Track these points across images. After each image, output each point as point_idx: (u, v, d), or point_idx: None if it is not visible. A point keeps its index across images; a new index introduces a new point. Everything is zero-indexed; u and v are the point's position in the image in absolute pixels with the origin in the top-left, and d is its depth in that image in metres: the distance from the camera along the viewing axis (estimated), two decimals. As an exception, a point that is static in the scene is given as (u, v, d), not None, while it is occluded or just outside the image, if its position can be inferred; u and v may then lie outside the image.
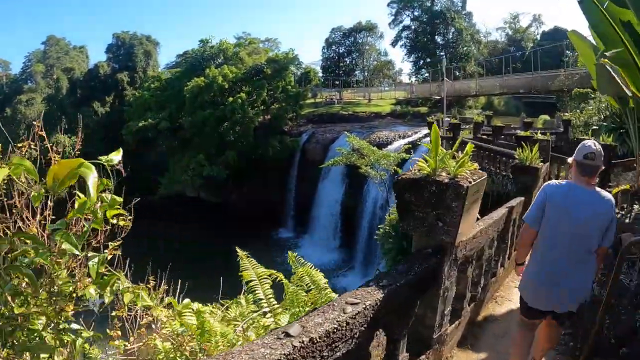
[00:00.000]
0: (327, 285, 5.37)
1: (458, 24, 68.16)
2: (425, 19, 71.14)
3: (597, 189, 4.75)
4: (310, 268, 5.59)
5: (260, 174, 48.87)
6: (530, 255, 5.06)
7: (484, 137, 25.68)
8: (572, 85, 37.43)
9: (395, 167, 30.93)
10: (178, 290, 5.13)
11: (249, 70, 52.12)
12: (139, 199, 3.92)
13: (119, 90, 63.20)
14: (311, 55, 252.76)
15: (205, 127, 47.07)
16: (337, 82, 72.29)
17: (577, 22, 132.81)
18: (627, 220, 8.59)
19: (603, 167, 5.00)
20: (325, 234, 42.07)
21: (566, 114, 29.95)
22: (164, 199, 48.89)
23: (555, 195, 4.75)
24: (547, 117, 45.89)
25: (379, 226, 26.34)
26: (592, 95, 31.30)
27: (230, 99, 46.95)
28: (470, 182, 4.26)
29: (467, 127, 30.49)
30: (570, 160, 5.00)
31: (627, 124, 10.62)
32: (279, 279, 5.44)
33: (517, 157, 11.05)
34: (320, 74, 76.37)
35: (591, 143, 4.80)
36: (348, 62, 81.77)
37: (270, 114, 52.04)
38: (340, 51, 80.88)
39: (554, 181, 5.05)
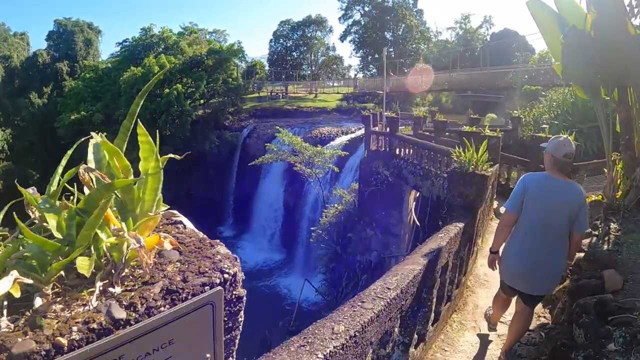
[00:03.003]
0: None
1: (408, 21, 66.16)
2: (375, 14, 68.80)
3: (569, 180, 5.10)
4: None
5: (200, 169, 46.27)
6: (509, 239, 5.28)
7: (426, 133, 22.32)
8: (521, 83, 35.27)
9: (331, 165, 28.04)
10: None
11: (189, 61, 48.14)
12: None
13: (58, 81, 58.79)
14: (261, 50, 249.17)
15: (140, 120, 42.79)
16: (283, 77, 68.71)
17: (526, 25, 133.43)
18: (605, 247, 6.68)
19: None
20: (266, 233, 39.61)
21: (515, 111, 27.32)
22: None
23: (532, 184, 5.08)
24: (494, 115, 43.81)
25: (312, 228, 23.56)
26: (543, 93, 29.21)
27: (166, 90, 42.87)
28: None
29: (410, 122, 27.76)
30: (545, 152, 5.16)
31: (599, 120, 8.39)
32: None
33: (455, 159, 7.54)
34: (267, 68, 72.81)
35: (569, 142, 5.08)
36: (296, 56, 78.43)
37: (211, 108, 48.90)
38: (288, 45, 77.74)
39: (531, 173, 5.43)
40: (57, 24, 62.40)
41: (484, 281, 8.27)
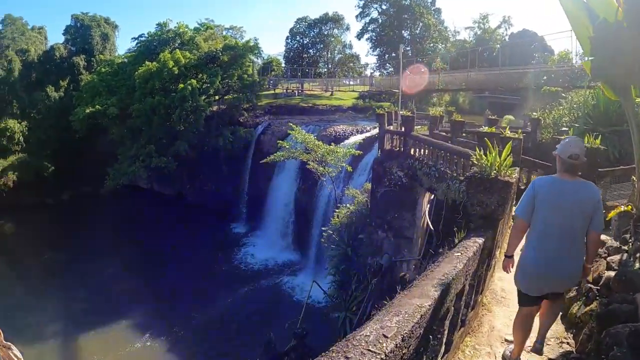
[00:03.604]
0: None
1: (426, 19, 64.80)
2: (392, 12, 67.69)
3: (580, 179, 5.04)
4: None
5: (214, 165, 46.41)
6: (523, 246, 5.24)
7: (442, 134, 21.44)
8: (540, 84, 34.27)
9: (344, 164, 27.41)
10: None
11: (204, 57, 47.97)
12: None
13: (74, 75, 58.69)
14: (277, 47, 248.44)
15: (155, 115, 43.17)
16: (299, 74, 67.93)
17: (545, 26, 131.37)
18: (637, 265, 5.78)
19: (585, 159, 5.07)
20: (278, 231, 39.12)
21: (534, 113, 26.36)
22: (116, 189, 45.99)
23: (542, 188, 5.03)
24: (511, 117, 42.79)
25: (323, 228, 22.89)
26: (563, 95, 28.20)
27: (181, 85, 42.63)
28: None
29: (426, 122, 26.92)
30: (555, 154, 5.17)
31: (629, 123, 7.45)
32: None
33: (475, 162, 6.79)
34: (283, 65, 72.72)
35: (574, 143, 5.09)
36: (312, 53, 78.08)
37: (225, 104, 48.73)
38: (305, 42, 77.26)
39: (540, 177, 5.45)
40: (74, 19, 62.39)
41: (502, 297, 7.56)
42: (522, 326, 5.42)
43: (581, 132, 18.86)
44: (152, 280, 32.43)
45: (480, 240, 5.23)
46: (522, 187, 16.46)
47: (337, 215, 22.93)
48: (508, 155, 6.61)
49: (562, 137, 16.48)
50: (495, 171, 6.24)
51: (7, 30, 58.13)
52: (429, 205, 17.85)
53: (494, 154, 6.49)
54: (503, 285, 7.70)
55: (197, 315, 27.89)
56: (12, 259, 37.18)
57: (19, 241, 41.50)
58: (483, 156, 6.64)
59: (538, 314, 5.54)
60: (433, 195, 16.36)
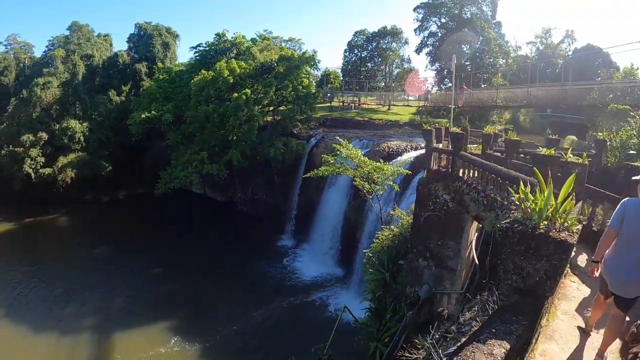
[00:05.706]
0: None
1: (486, 33, 61.54)
2: (452, 26, 64.88)
3: None
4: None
5: (266, 175, 46.25)
6: (611, 252, 5.68)
7: (497, 154, 18.88)
8: (606, 102, 31.16)
9: (391, 183, 25.37)
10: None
11: (259, 67, 47.40)
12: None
13: (136, 80, 60.83)
14: (337, 61, 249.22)
15: (209, 123, 43.04)
16: (356, 87, 66.38)
17: (610, 40, 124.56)
18: None
19: None
20: (325, 246, 37.72)
21: (600, 133, 23.25)
22: (170, 192, 45.79)
23: (630, 207, 5.51)
24: (574, 137, 39.76)
25: (364, 251, 20.87)
26: (632, 113, 25.07)
27: (235, 94, 41.95)
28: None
29: (481, 141, 24.39)
30: (634, 179, 5.67)
31: None
32: None
33: (516, 202, 4.76)
34: (341, 78, 72.11)
35: None
36: (370, 67, 76.48)
37: (280, 115, 48.20)
38: (363, 55, 75.70)
39: (630, 197, 5.72)
40: (138, 27, 64.34)
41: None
42: (597, 305, 6.40)
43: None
44: (192, 285, 32.06)
45: (502, 352, 3.09)
46: (584, 223, 13.64)
47: (380, 237, 20.89)
48: (569, 195, 4.52)
49: (635, 163, 13.91)
50: (545, 222, 4.12)
51: (73, 36, 60.97)
52: (477, 234, 15.62)
53: (546, 194, 4.38)
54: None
55: (228, 325, 27.18)
56: (64, 251, 38.55)
57: (72, 234, 43.09)
58: (530, 195, 4.53)
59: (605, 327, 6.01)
60: (481, 224, 14.09)
